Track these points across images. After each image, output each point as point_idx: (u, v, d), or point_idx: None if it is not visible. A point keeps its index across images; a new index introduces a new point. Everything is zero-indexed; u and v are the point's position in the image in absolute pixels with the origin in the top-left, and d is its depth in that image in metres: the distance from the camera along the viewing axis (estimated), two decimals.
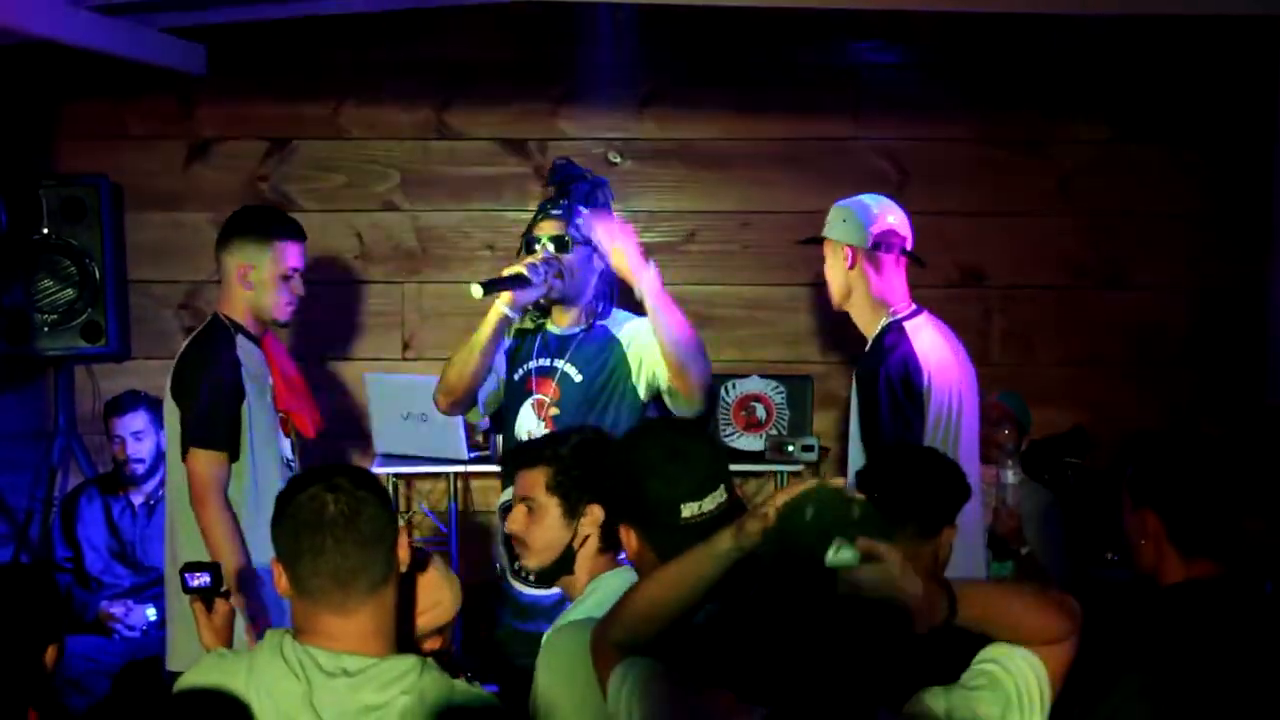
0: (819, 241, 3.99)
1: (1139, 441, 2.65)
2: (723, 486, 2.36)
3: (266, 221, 3.95)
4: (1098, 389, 5.66)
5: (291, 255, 3.88)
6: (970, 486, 3.14)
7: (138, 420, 4.97)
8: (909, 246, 3.95)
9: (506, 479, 3.63)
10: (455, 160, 5.69)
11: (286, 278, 3.86)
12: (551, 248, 3.68)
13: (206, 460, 3.74)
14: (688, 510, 2.31)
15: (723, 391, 5.29)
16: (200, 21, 5.32)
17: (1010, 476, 4.28)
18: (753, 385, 5.32)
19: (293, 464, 3.96)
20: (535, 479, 2.81)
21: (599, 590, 2.66)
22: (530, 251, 3.68)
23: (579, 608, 2.68)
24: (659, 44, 5.67)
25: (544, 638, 2.48)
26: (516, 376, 3.79)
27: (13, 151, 5.65)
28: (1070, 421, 5.49)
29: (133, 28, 5.10)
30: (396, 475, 5.25)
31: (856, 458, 3.78)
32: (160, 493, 4.89)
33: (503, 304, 3.66)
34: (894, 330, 3.81)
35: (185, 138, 5.75)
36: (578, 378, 3.70)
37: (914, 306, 3.91)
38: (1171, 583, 2.53)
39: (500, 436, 3.86)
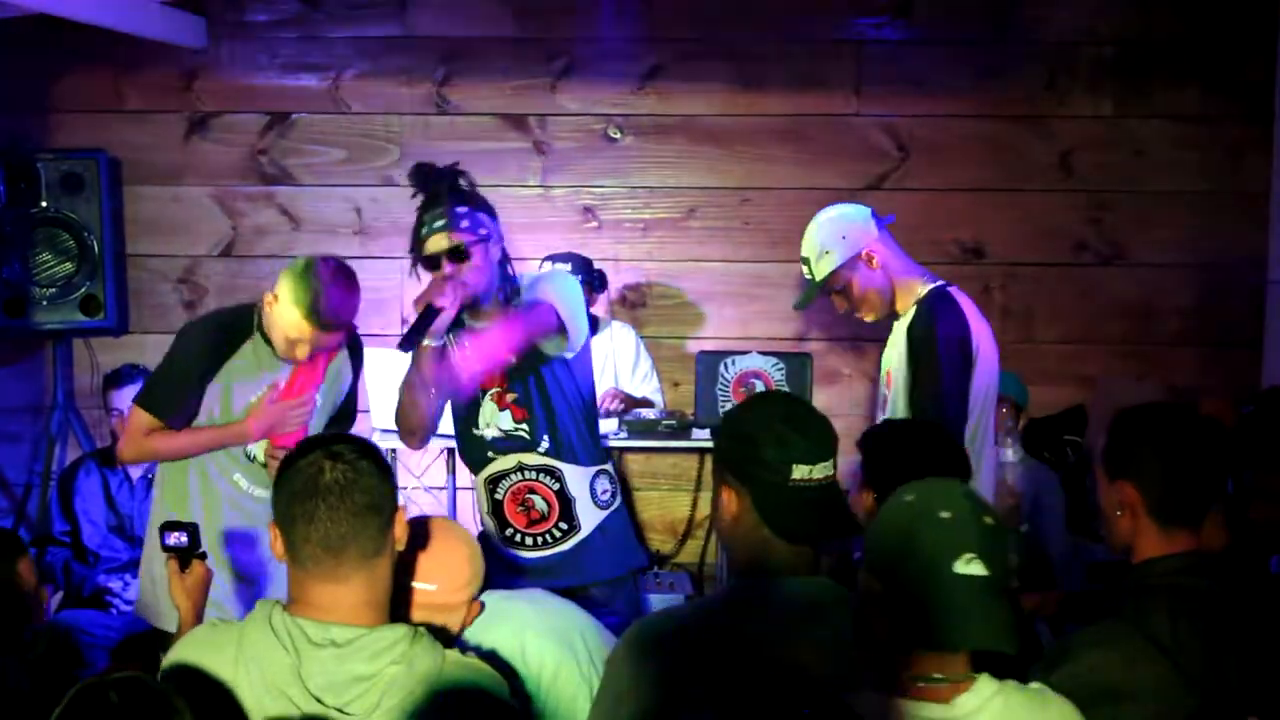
0: (833, 290, 3.92)
1: (1114, 415, 2.59)
2: (832, 462, 2.38)
3: (316, 300, 3.66)
4: (1098, 366, 5.66)
5: (306, 334, 3.70)
6: (970, 464, 3.14)
7: (135, 393, 4.95)
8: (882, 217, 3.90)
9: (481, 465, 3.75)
10: (455, 135, 5.66)
11: (289, 339, 3.73)
12: (449, 261, 3.55)
13: (138, 414, 3.87)
14: (798, 472, 2.32)
15: (722, 368, 5.28)
16: None
17: (1010, 455, 4.27)
18: (752, 362, 5.30)
19: (254, 456, 3.90)
20: None
21: None
22: (435, 269, 3.56)
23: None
24: (660, 18, 5.66)
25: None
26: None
27: (11, 125, 5.65)
28: (1070, 399, 5.49)
29: (132, 1, 5.08)
30: (393, 450, 5.24)
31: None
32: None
33: (427, 339, 3.55)
34: (941, 296, 3.74)
35: (184, 111, 5.74)
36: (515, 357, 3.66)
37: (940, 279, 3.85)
38: (1147, 557, 2.47)
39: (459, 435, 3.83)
